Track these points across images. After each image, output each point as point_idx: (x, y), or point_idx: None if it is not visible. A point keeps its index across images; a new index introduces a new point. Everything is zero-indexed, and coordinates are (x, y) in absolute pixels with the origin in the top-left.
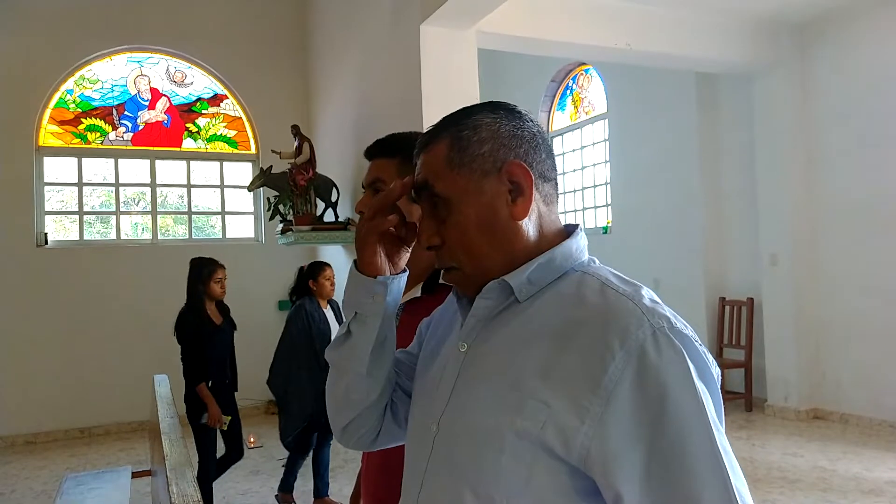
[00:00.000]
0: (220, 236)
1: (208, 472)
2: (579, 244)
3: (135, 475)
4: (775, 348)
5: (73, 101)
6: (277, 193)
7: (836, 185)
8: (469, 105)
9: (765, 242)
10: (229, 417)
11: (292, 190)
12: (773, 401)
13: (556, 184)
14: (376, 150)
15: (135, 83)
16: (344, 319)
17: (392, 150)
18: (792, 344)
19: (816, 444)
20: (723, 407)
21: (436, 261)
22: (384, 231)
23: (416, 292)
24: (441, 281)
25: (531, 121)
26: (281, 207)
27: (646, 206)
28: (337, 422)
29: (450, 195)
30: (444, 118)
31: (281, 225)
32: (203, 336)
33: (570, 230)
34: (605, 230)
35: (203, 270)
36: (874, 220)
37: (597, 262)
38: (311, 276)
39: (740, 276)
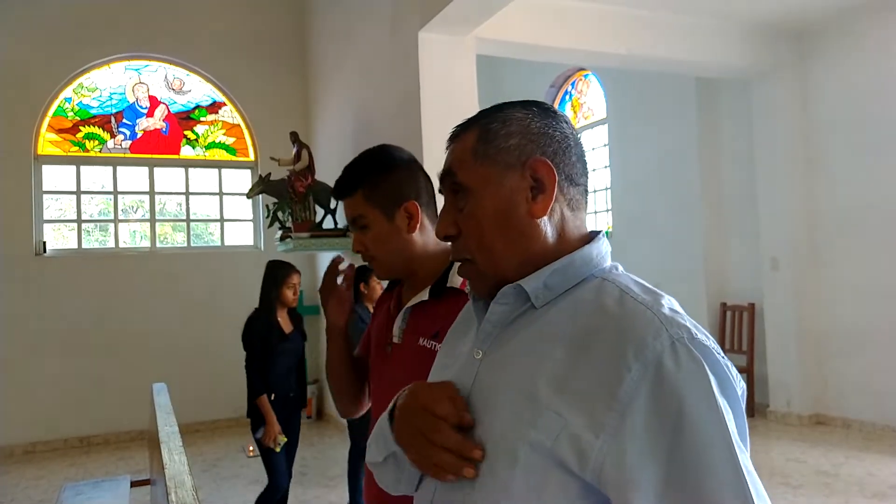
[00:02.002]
0: (219, 244)
1: (274, 494)
2: (601, 250)
3: (134, 484)
4: (777, 353)
5: (72, 110)
6: (276, 200)
7: (836, 189)
8: (503, 102)
9: (766, 247)
10: (285, 439)
11: (291, 197)
12: (776, 406)
13: (586, 190)
14: (339, 192)
15: (133, 91)
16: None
17: (351, 187)
18: (794, 349)
19: (819, 449)
20: (746, 423)
21: (451, 252)
22: None
23: (424, 296)
24: (449, 284)
25: (566, 122)
26: (280, 214)
27: (646, 211)
28: (392, 491)
29: (470, 184)
30: (477, 112)
31: (280, 232)
32: (269, 345)
33: (593, 236)
34: (606, 235)
35: (278, 274)
36: (875, 224)
37: (620, 268)
38: (362, 279)
39: (741, 281)
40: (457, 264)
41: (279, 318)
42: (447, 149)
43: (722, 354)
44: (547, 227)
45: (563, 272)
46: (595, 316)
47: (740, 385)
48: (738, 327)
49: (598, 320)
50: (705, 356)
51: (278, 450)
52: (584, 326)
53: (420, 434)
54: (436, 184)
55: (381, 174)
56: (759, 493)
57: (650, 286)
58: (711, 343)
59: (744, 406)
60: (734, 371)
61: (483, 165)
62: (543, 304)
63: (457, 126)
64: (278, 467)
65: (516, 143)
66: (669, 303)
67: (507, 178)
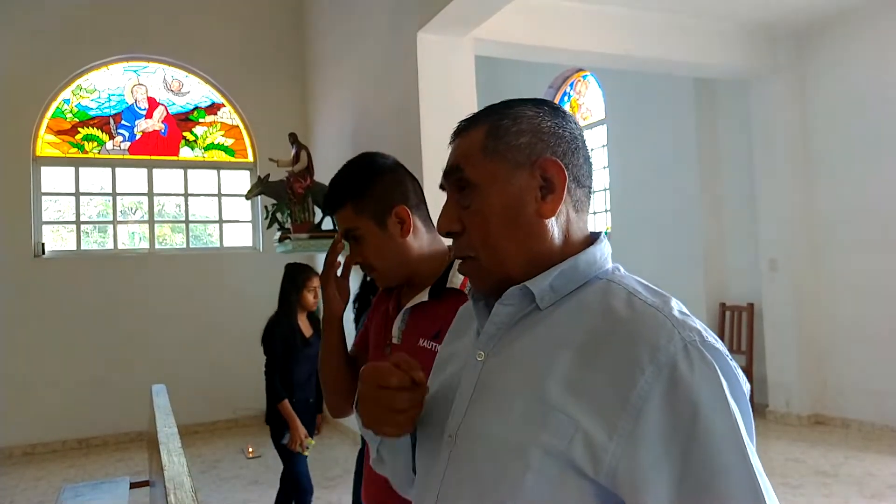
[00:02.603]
0: (218, 245)
1: (305, 497)
2: (603, 251)
3: (133, 486)
4: (776, 353)
5: (71, 111)
6: (275, 201)
7: (835, 189)
8: (511, 98)
9: (764, 247)
10: (313, 442)
11: (290, 198)
12: (775, 406)
13: (590, 192)
14: (328, 207)
15: (132, 92)
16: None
17: (339, 200)
18: (793, 349)
19: (818, 450)
20: (753, 424)
21: (453, 249)
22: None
23: (424, 297)
24: (449, 285)
25: (575, 123)
26: (279, 215)
27: (645, 212)
28: (400, 486)
29: (478, 181)
30: (485, 107)
31: (279, 233)
32: (291, 349)
33: (594, 238)
34: (606, 236)
35: (298, 277)
36: (874, 225)
37: (621, 269)
38: None
39: (740, 282)
40: (457, 263)
41: (299, 322)
42: (451, 143)
43: (730, 356)
44: (554, 227)
45: (569, 274)
46: (603, 318)
47: (746, 386)
48: (738, 327)
49: (607, 323)
50: (717, 359)
51: (307, 453)
52: (593, 329)
53: (384, 409)
54: (425, 185)
55: (367, 184)
56: (770, 496)
57: (655, 287)
58: (720, 346)
59: (750, 407)
60: (740, 373)
61: (492, 162)
62: (548, 305)
63: (463, 121)
64: (303, 470)
65: (527, 141)
66: (678, 305)
67: (517, 176)
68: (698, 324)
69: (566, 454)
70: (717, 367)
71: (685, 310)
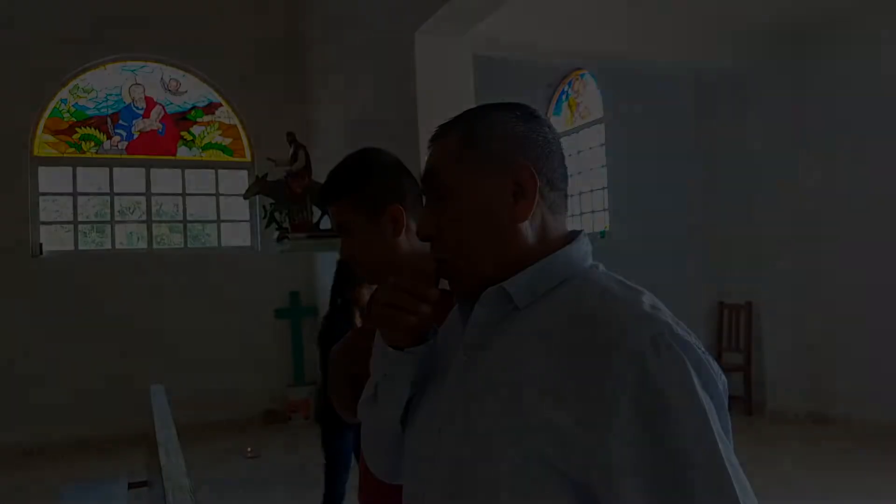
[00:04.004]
0: (216, 244)
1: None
2: (581, 250)
3: (131, 486)
4: (775, 352)
5: (68, 111)
6: (273, 201)
7: (834, 188)
8: (488, 103)
9: (764, 246)
10: None
11: (288, 197)
12: (774, 405)
13: (566, 194)
14: (324, 200)
15: (129, 92)
16: (372, 376)
17: (335, 194)
18: (791, 347)
19: (817, 448)
20: (729, 418)
21: (432, 252)
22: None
23: None
24: (441, 286)
25: (549, 127)
26: (277, 215)
27: (644, 211)
28: (377, 466)
29: (452, 186)
30: (461, 113)
31: (277, 232)
32: None
33: (573, 237)
34: (603, 234)
35: (356, 272)
36: (873, 223)
37: (601, 267)
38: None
39: (739, 280)
40: None
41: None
42: (429, 147)
43: (703, 349)
44: (528, 230)
45: (544, 273)
46: (577, 315)
47: (722, 380)
48: (736, 326)
49: (578, 320)
50: (686, 351)
51: None
52: (566, 326)
53: (395, 310)
54: None
55: (365, 180)
56: (742, 485)
57: (630, 283)
58: (692, 339)
59: (726, 401)
60: (716, 366)
61: (466, 168)
62: (526, 304)
63: (439, 127)
64: (343, 481)
65: (500, 146)
66: (650, 299)
67: (490, 181)
68: (668, 317)
69: (539, 452)
70: (685, 360)
71: (658, 304)
